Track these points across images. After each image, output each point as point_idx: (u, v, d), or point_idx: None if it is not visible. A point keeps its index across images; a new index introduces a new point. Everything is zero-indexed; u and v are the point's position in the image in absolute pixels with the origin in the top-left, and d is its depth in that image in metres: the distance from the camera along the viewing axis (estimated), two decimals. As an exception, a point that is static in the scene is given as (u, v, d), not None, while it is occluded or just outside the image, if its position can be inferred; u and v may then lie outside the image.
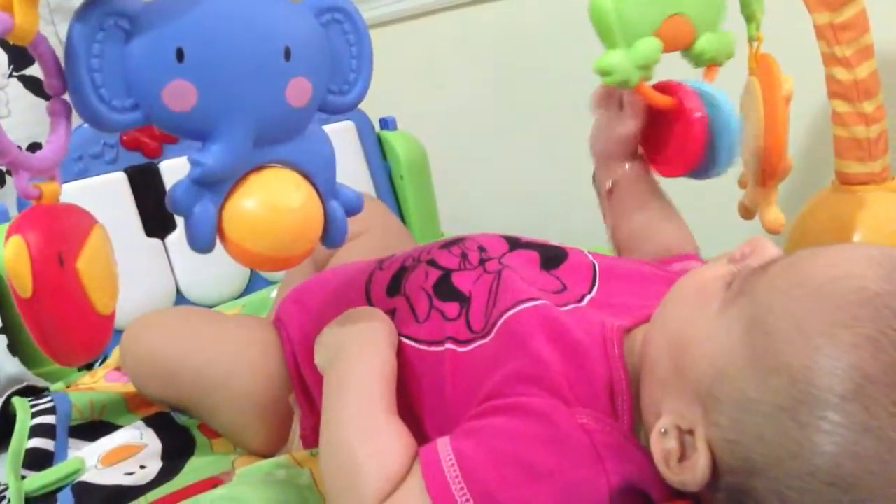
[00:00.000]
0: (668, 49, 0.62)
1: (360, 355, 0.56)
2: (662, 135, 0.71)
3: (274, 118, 0.48)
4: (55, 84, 0.45)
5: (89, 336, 0.44)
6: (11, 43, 0.42)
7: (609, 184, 0.71)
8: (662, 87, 0.69)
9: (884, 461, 0.37)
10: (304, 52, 0.49)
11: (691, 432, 0.44)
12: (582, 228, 0.79)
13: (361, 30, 0.53)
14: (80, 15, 0.43)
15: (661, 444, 0.45)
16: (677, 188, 0.75)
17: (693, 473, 0.43)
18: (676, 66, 0.67)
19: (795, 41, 0.82)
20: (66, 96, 0.45)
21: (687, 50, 0.66)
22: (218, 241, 0.49)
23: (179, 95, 0.45)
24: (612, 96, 0.72)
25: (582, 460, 0.47)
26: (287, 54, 0.48)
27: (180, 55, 0.44)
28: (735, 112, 0.68)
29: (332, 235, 0.53)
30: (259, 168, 0.49)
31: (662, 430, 0.45)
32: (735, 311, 0.44)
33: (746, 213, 0.74)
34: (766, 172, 0.69)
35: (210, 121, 0.46)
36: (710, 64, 0.68)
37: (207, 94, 0.45)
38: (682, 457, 0.44)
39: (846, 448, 0.38)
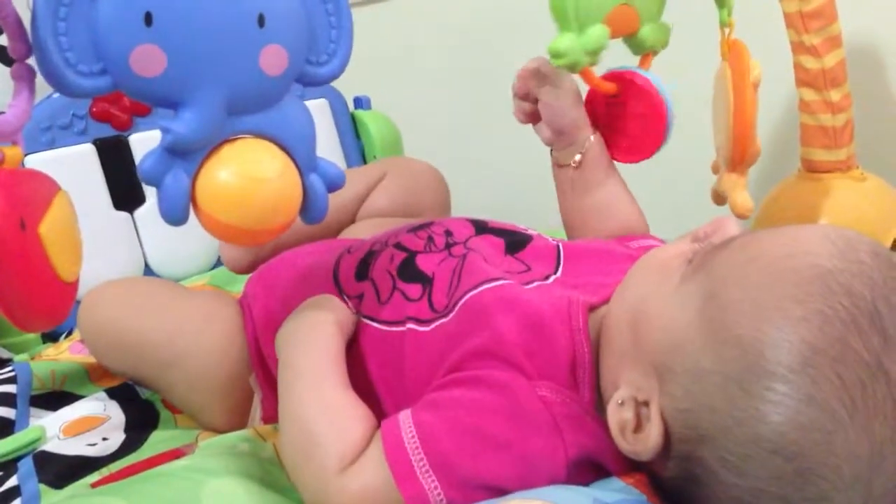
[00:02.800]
0: (613, 36, 0.64)
1: (307, 340, 0.56)
2: (620, 124, 0.71)
3: (247, 86, 0.48)
4: (20, 48, 0.44)
5: (52, 302, 0.44)
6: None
7: (577, 157, 0.71)
8: (614, 77, 0.69)
9: (827, 431, 0.38)
10: (279, 20, 0.48)
11: (647, 404, 0.45)
12: (553, 208, 0.79)
13: (341, 0, 0.52)
14: (47, -24, 0.42)
15: (618, 415, 0.46)
16: (646, 175, 0.75)
17: (646, 443, 0.44)
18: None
19: (768, 29, 0.83)
20: (31, 61, 0.44)
21: (630, 37, 0.67)
22: (192, 214, 0.48)
23: (148, 60, 0.44)
24: (541, 75, 0.71)
25: (540, 431, 0.47)
26: (261, 20, 0.47)
27: (148, 19, 0.43)
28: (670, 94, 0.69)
29: (311, 210, 0.52)
30: (234, 139, 0.49)
31: (619, 402, 0.46)
32: (693, 286, 0.45)
33: (718, 199, 0.75)
34: (736, 157, 0.70)
35: (180, 87, 0.45)
36: (648, 52, 0.69)
37: (177, 60, 0.45)
38: (638, 428, 0.45)
39: (791, 418, 0.39)
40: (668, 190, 0.81)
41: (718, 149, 0.73)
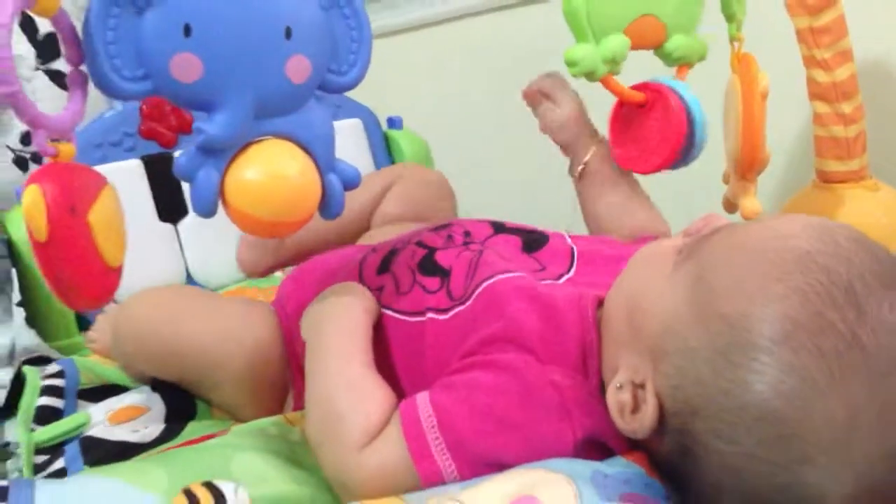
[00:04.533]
0: (636, 47, 0.67)
1: (336, 320, 0.59)
2: (639, 133, 0.74)
3: (274, 92, 0.52)
4: (73, 54, 0.49)
5: (97, 283, 0.49)
6: (35, 15, 0.47)
7: (579, 168, 0.75)
8: (643, 87, 0.72)
9: (806, 398, 0.41)
10: (304, 33, 0.53)
11: (643, 386, 0.48)
12: (582, 229, 0.82)
13: (361, 15, 0.57)
14: (99, -8, 0.48)
15: (616, 397, 0.48)
16: (658, 184, 0.78)
17: (643, 422, 0.47)
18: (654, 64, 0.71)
19: (785, 44, 0.85)
20: (83, 67, 0.50)
21: (658, 49, 0.70)
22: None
23: (186, 67, 0.49)
24: (541, 93, 0.76)
25: (550, 413, 0.50)
26: (288, 33, 0.52)
27: (188, 30, 0.48)
28: (701, 109, 0.71)
29: (329, 206, 0.57)
30: (260, 140, 0.53)
31: (618, 385, 0.49)
32: (682, 272, 0.48)
33: (730, 206, 0.78)
34: (745, 164, 0.73)
35: (214, 92, 0.50)
36: (680, 64, 0.72)
37: (212, 67, 0.49)
38: (635, 409, 0.48)
39: (773, 386, 0.41)
40: (682, 197, 0.84)
41: (729, 157, 0.76)
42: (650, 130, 0.73)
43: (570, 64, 0.65)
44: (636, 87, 0.72)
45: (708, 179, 0.83)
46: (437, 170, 1.00)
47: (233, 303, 0.79)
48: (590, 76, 0.66)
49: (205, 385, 0.72)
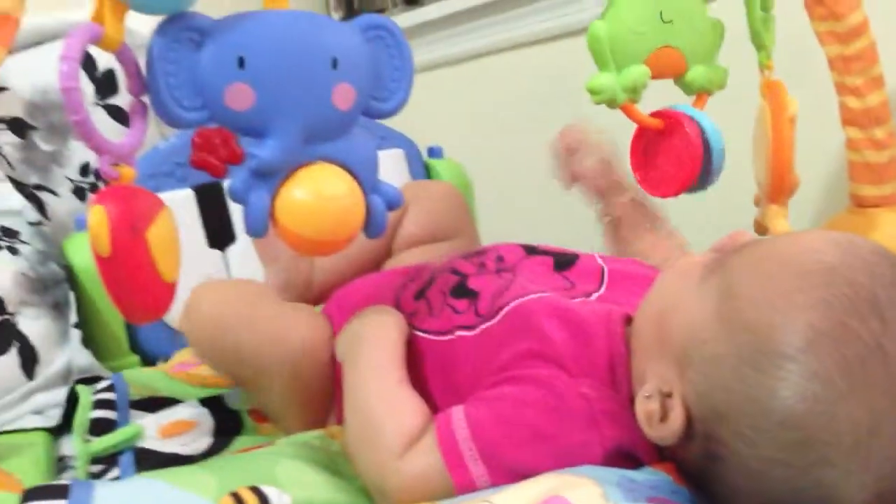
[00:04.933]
0: (657, 76, 0.70)
1: (371, 338, 0.62)
2: (659, 158, 0.76)
3: (321, 119, 0.56)
4: (135, 86, 0.53)
5: (154, 296, 0.52)
6: (100, 49, 0.51)
7: (606, 219, 0.77)
8: (661, 115, 0.74)
9: (829, 403, 0.42)
10: (349, 62, 0.56)
11: (670, 395, 0.49)
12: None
13: (403, 45, 0.60)
14: (161, 29, 0.52)
15: (645, 406, 0.50)
16: (689, 206, 0.80)
17: (671, 428, 0.49)
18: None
19: (819, 71, 0.87)
20: (144, 97, 0.54)
21: (678, 78, 0.73)
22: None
23: (240, 97, 0.53)
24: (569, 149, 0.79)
25: (580, 425, 0.52)
26: (334, 63, 0.55)
27: (241, 62, 0.52)
28: (720, 136, 0.73)
29: (373, 226, 0.60)
30: (308, 163, 0.57)
31: (647, 395, 0.50)
32: (710, 284, 0.50)
33: (761, 229, 0.79)
34: (775, 187, 0.74)
35: (265, 119, 0.54)
36: (700, 92, 0.74)
37: (264, 96, 0.53)
38: (663, 417, 0.49)
39: (797, 392, 0.43)
40: (713, 219, 0.86)
41: (759, 182, 0.78)
42: (668, 156, 0.75)
43: (593, 92, 0.68)
44: (655, 115, 0.74)
45: (739, 202, 0.85)
46: (444, 181, 1.01)
47: (295, 309, 0.77)
48: (610, 104, 0.69)
49: (262, 382, 0.71)
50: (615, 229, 0.79)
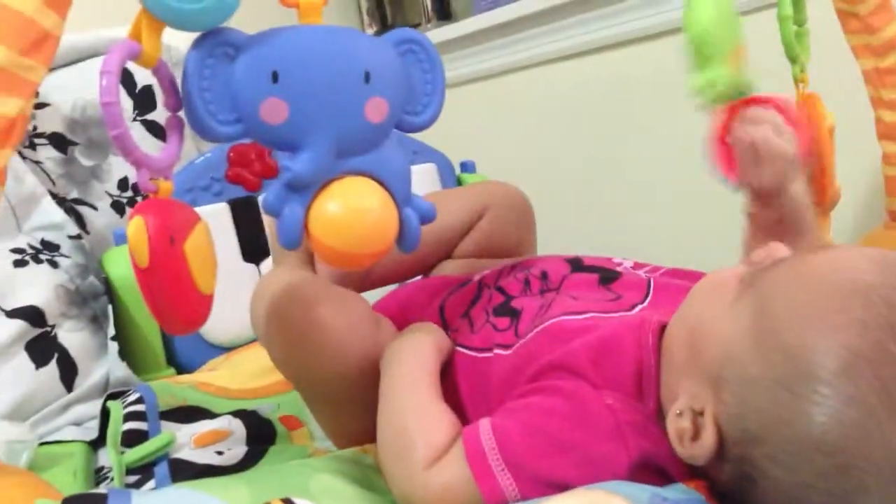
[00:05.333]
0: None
1: (409, 354, 0.63)
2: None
3: (354, 132, 0.56)
4: (172, 102, 0.54)
5: (191, 307, 0.53)
6: (138, 66, 0.52)
7: (759, 220, 0.68)
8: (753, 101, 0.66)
9: (866, 428, 0.41)
10: (381, 76, 0.56)
11: (702, 413, 0.49)
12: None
13: (435, 59, 0.61)
14: (196, 44, 0.52)
15: (676, 424, 0.49)
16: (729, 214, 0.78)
17: (703, 448, 0.48)
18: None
19: (854, 84, 0.86)
20: (181, 113, 0.54)
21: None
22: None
23: (274, 111, 0.53)
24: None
25: (604, 435, 0.52)
26: (367, 77, 0.56)
27: (275, 77, 0.53)
28: None
29: (406, 239, 0.60)
30: (341, 176, 0.57)
31: (678, 412, 0.50)
32: (744, 302, 0.49)
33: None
34: (816, 199, 0.73)
35: (299, 133, 0.54)
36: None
37: (297, 110, 0.54)
38: (695, 436, 0.49)
39: (833, 417, 0.42)
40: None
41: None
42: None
43: (710, 86, 0.62)
44: (747, 101, 0.65)
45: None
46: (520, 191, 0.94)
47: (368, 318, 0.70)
48: (725, 97, 0.63)
49: (312, 382, 0.68)
50: (760, 230, 0.68)
